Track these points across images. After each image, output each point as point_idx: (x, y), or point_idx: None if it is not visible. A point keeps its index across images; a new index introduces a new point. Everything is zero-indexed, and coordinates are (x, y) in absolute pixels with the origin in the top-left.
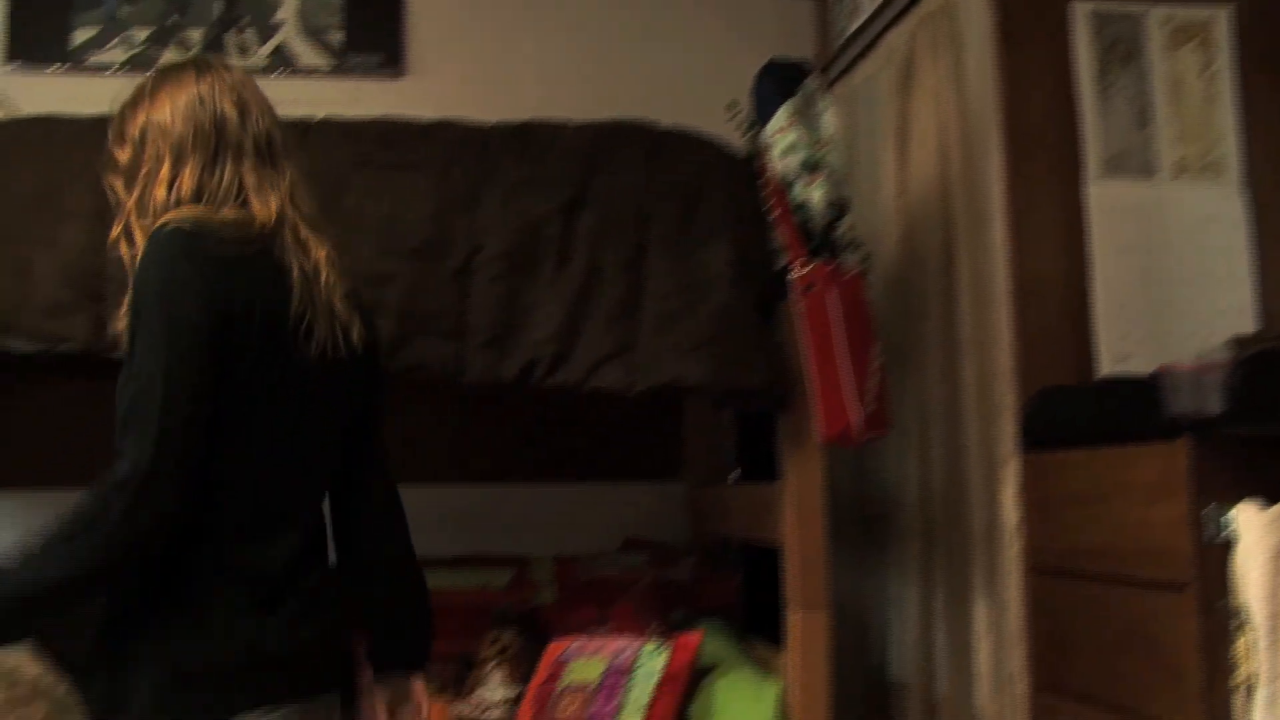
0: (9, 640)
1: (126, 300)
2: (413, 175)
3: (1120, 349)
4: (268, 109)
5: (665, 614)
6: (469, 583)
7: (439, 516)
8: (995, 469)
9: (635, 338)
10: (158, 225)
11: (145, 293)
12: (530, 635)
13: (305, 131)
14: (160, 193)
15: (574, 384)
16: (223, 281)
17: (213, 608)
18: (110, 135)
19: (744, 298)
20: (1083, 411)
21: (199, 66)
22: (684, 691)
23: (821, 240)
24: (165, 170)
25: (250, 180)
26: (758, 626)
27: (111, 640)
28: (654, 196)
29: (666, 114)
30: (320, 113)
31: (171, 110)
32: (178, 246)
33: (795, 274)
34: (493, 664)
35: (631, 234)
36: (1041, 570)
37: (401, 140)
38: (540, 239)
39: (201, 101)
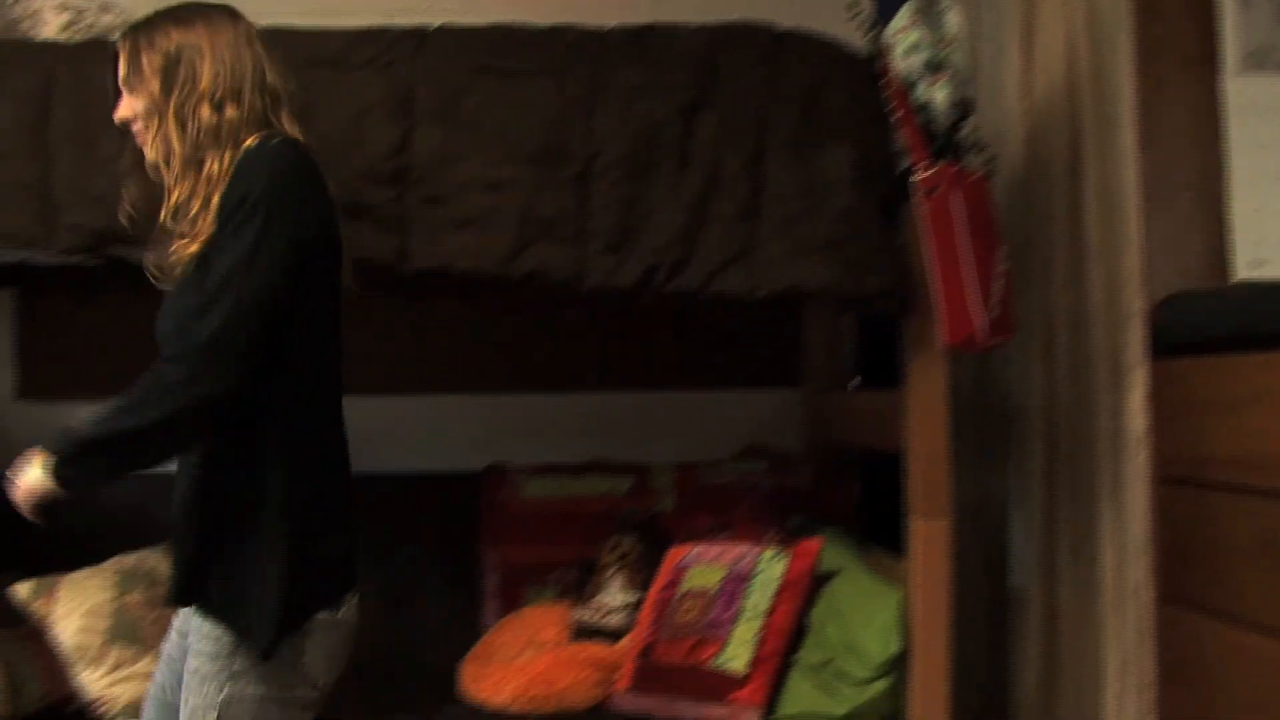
0: (83, 481)
1: (197, 209)
2: (530, 81)
3: (1256, 254)
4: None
5: (784, 521)
6: (590, 489)
7: (560, 424)
8: (1122, 376)
9: (756, 242)
10: (261, 140)
11: (252, 191)
12: (650, 541)
13: (423, 39)
14: (205, 111)
15: (694, 289)
16: (322, 195)
17: (315, 518)
18: (130, 41)
19: (866, 201)
20: (1216, 317)
21: (232, 14)
22: (804, 597)
23: (945, 142)
24: (205, 85)
25: (287, 122)
26: (877, 534)
27: (240, 549)
28: (774, 99)
29: (785, 15)
30: (436, 20)
31: (210, 41)
32: (288, 156)
33: (918, 176)
34: (613, 569)
35: (751, 137)
36: (1168, 480)
37: (518, 46)
38: (659, 143)
39: (238, 45)
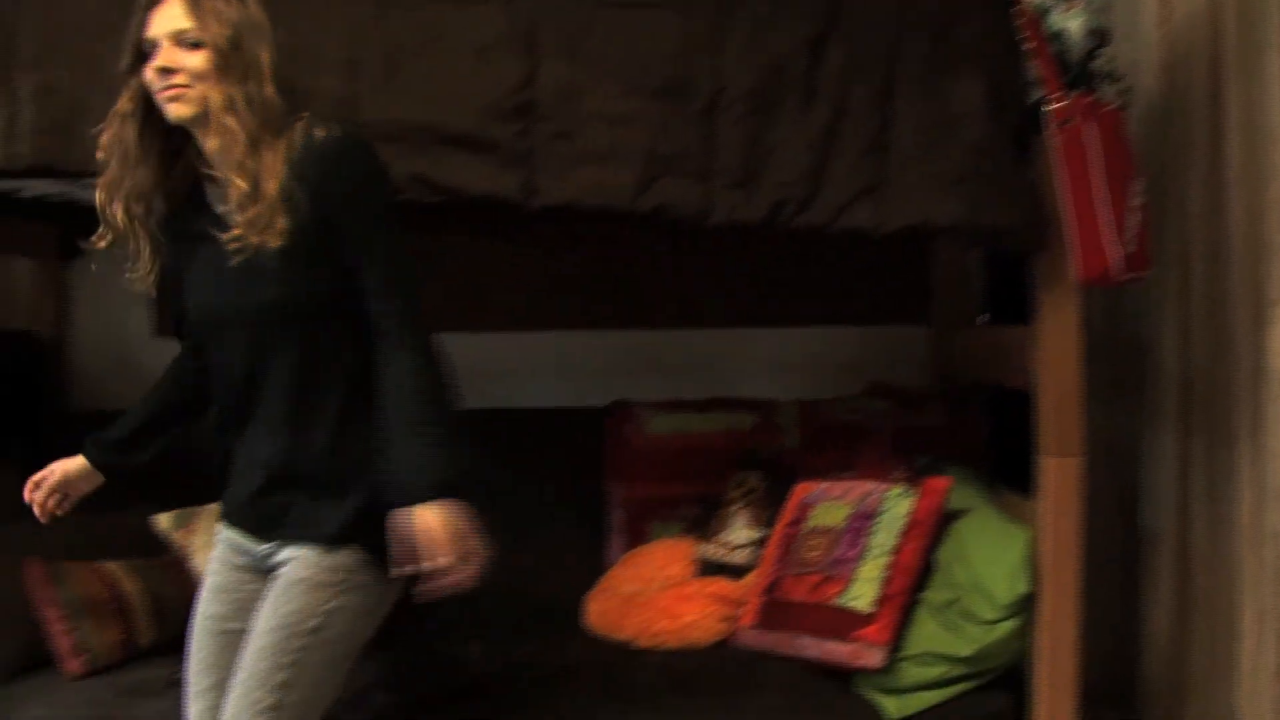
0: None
1: (283, 195)
2: (654, 14)
3: None
4: None
5: (910, 459)
6: (714, 426)
7: (685, 360)
8: (1263, 312)
9: (884, 177)
10: (345, 128)
11: (376, 189)
12: (774, 478)
13: None
14: (269, 91)
15: (822, 225)
16: None
17: None
18: (201, 5)
19: (998, 133)
20: None
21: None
22: (931, 536)
23: (1079, 72)
24: (265, 66)
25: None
26: (1005, 474)
27: (371, 484)
28: (903, 30)
29: None
30: None
31: (263, 25)
32: (377, 152)
33: (1051, 108)
34: (737, 506)
35: (880, 69)
36: None
37: None
38: (785, 77)
39: (272, 37)
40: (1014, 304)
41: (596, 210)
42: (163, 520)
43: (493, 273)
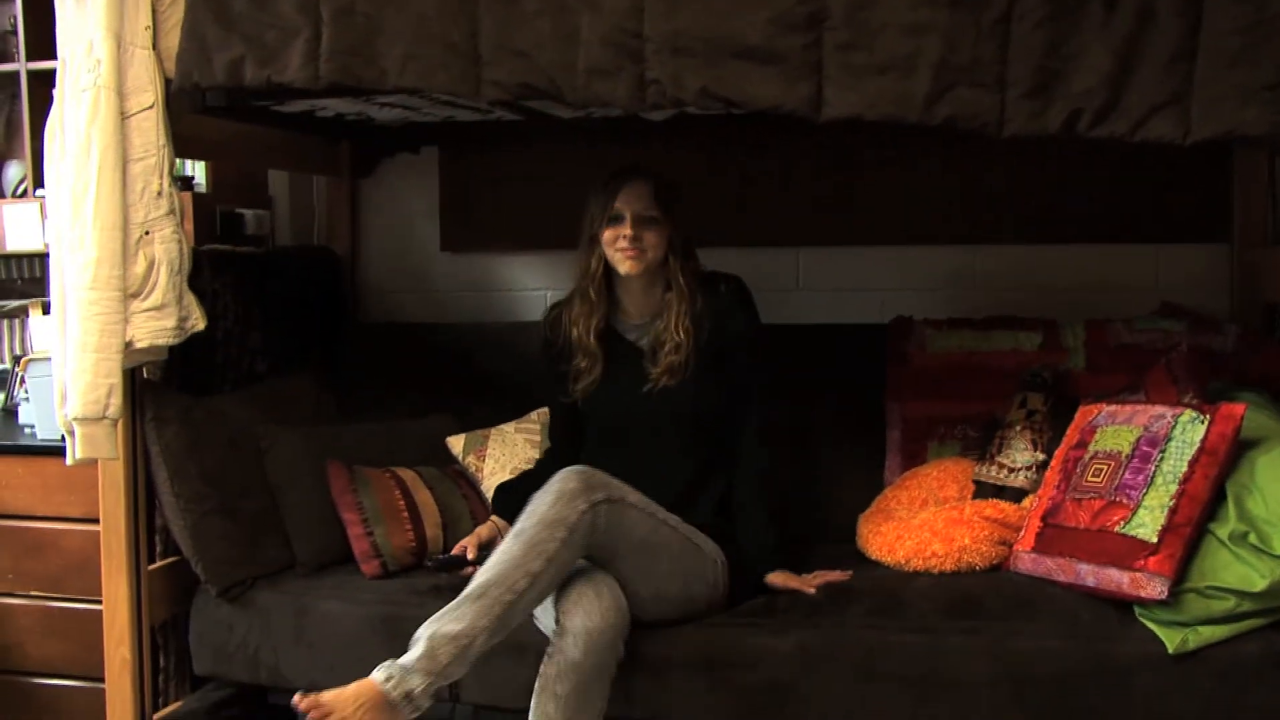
0: None
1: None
2: None
3: None
4: None
5: (1203, 384)
6: (997, 345)
7: (970, 276)
8: None
9: (1190, 84)
10: (722, 281)
11: (758, 324)
12: (1057, 400)
13: None
14: (688, 258)
15: (1121, 136)
16: None
17: None
18: (655, 185)
19: None
20: None
21: None
22: (1223, 465)
23: None
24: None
25: None
26: None
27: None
28: None
29: None
30: None
31: None
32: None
33: None
34: (1019, 428)
35: None
36: None
37: None
38: None
39: None
40: None
41: (885, 121)
42: (455, 445)
43: (779, 188)
